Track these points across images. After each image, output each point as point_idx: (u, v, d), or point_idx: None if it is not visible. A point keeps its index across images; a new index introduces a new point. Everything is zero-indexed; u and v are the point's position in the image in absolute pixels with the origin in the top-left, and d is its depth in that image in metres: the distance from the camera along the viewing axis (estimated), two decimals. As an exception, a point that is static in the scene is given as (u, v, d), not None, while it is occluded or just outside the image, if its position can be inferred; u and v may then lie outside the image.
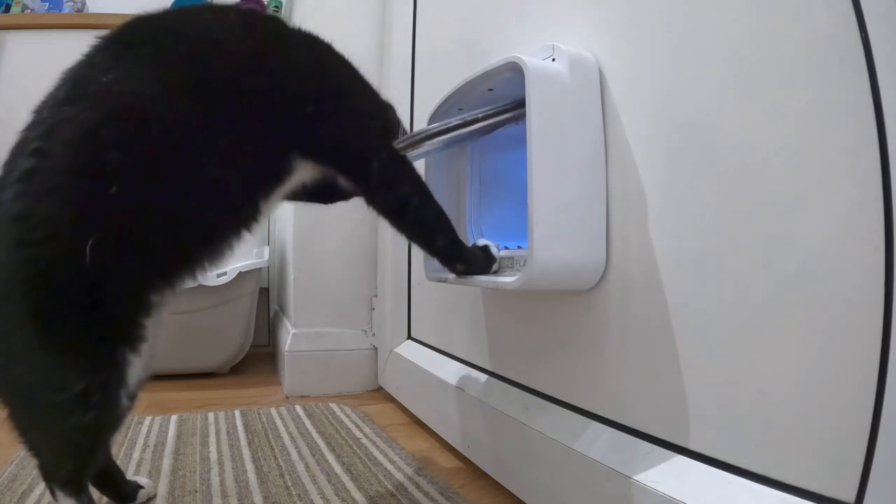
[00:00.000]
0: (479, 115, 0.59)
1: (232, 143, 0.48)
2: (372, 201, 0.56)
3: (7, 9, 1.71)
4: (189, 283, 0.51)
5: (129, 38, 0.48)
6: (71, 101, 0.44)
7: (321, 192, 0.61)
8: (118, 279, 0.44)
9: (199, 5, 0.53)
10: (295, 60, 0.53)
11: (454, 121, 0.59)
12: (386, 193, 0.56)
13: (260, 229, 1.47)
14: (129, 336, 0.46)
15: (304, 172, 0.55)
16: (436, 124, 0.60)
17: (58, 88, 0.46)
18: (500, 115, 0.59)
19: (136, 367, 0.47)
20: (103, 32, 0.49)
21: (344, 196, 0.62)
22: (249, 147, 0.49)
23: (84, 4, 1.81)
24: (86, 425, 0.44)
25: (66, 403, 0.43)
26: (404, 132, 0.63)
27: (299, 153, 0.53)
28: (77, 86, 0.45)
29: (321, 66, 0.56)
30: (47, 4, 1.79)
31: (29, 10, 1.72)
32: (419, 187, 0.58)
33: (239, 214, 0.51)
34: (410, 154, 0.60)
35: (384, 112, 0.60)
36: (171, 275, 0.49)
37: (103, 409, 0.44)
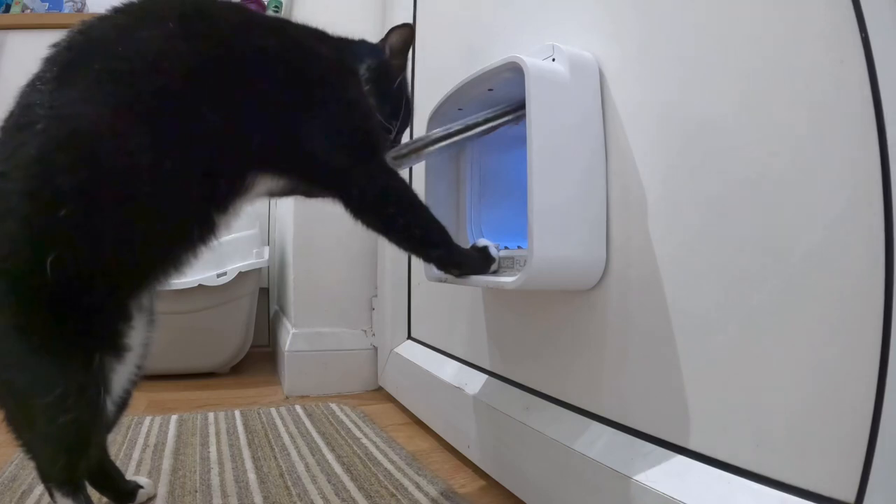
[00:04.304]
0: (480, 119, 0.59)
1: (178, 162, 0.46)
2: (356, 218, 0.54)
3: (7, 9, 1.71)
4: (156, 290, 0.52)
5: (71, 54, 0.47)
6: (23, 125, 0.45)
7: (297, 193, 0.59)
8: (80, 290, 0.45)
9: (146, 4, 0.50)
10: (253, 70, 0.50)
11: (455, 126, 0.59)
12: (369, 214, 0.54)
13: (259, 229, 1.48)
14: (108, 344, 0.47)
15: (269, 184, 0.53)
16: (437, 130, 0.59)
17: (14, 109, 0.47)
18: (500, 118, 0.59)
19: (121, 374, 0.48)
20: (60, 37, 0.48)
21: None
22: (200, 165, 0.48)
23: (84, 4, 1.81)
24: (68, 426, 0.45)
25: (50, 405, 0.44)
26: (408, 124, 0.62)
27: (261, 170, 0.51)
28: (28, 108, 0.45)
29: (290, 74, 0.51)
30: (47, 4, 1.79)
31: (29, 10, 1.72)
32: (405, 204, 0.55)
33: (191, 231, 0.50)
34: (411, 160, 0.60)
35: (367, 119, 0.56)
36: (139, 283, 0.49)
37: (84, 411, 0.45)
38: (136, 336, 0.49)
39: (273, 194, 0.57)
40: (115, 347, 0.47)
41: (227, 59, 0.49)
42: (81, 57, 0.47)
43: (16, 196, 0.43)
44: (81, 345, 0.46)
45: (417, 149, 0.58)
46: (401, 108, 0.63)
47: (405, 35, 0.64)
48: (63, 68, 0.46)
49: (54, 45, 0.48)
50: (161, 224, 0.48)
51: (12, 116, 0.46)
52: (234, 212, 0.53)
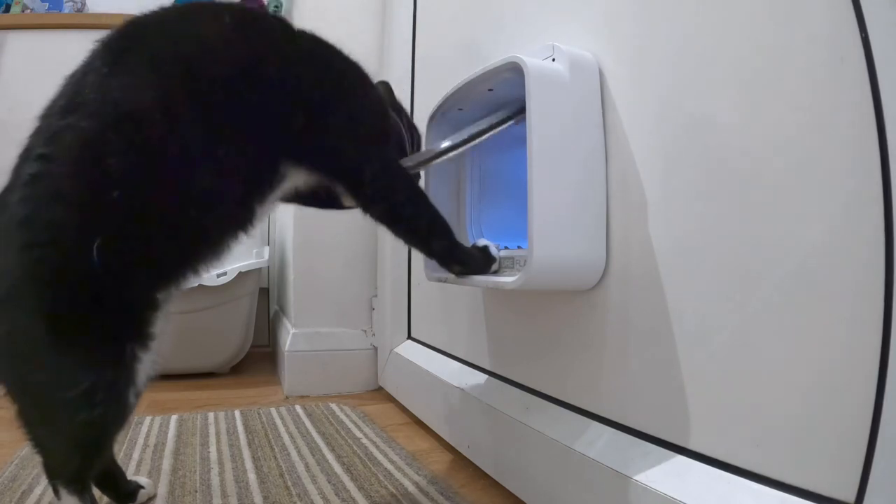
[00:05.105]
0: (485, 127, 0.60)
1: (226, 149, 0.48)
2: (366, 210, 0.57)
3: (7, 9, 1.71)
4: (191, 282, 0.51)
5: (125, 42, 0.48)
6: (71, 109, 0.45)
7: (317, 197, 0.61)
8: (123, 278, 0.45)
9: (196, 4, 0.52)
10: (289, 67, 0.52)
11: (461, 136, 0.60)
12: (379, 203, 0.56)
13: (259, 229, 1.48)
14: (139, 334, 0.47)
15: (297, 178, 0.55)
16: (445, 142, 0.60)
17: (59, 96, 0.47)
18: (503, 123, 0.59)
19: (146, 365, 0.47)
20: (102, 34, 0.49)
21: (340, 203, 0.62)
22: (243, 153, 0.49)
23: (84, 4, 1.81)
24: (93, 422, 0.44)
25: (74, 400, 0.43)
26: (417, 140, 0.64)
27: (291, 161, 0.53)
28: (77, 93, 0.46)
29: (318, 72, 0.55)
30: (47, 4, 1.79)
31: (29, 10, 1.72)
32: (413, 194, 0.58)
33: (235, 217, 0.51)
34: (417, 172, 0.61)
35: (381, 119, 0.60)
36: (175, 273, 0.49)
37: (110, 406, 0.45)
38: (160, 325, 0.49)
39: (299, 190, 0.58)
40: (143, 336, 0.47)
41: (274, 55, 0.52)
42: (138, 41, 0.48)
43: (62, 179, 0.43)
44: (115, 335, 0.45)
45: (424, 162, 0.59)
46: (411, 130, 0.67)
47: (389, 87, 0.69)
48: (116, 56, 0.47)
49: (102, 39, 0.49)
50: (209, 208, 0.48)
51: (57, 102, 0.46)
52: (269, 204, 0.54)
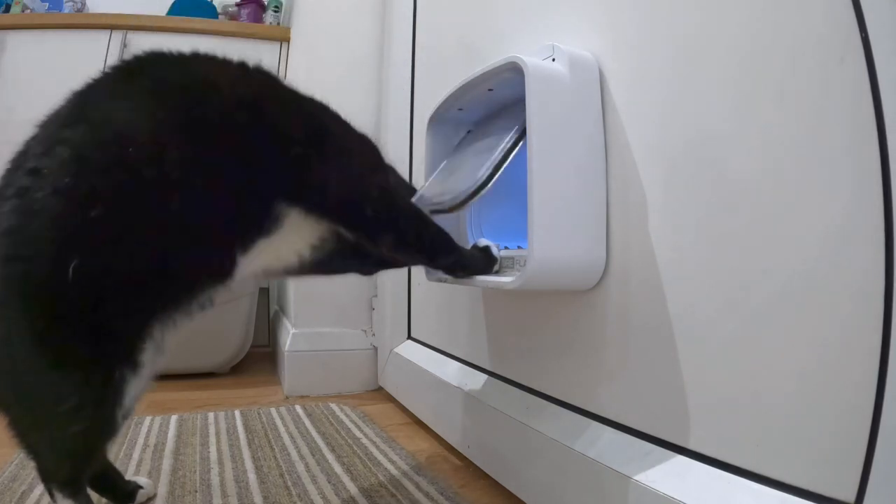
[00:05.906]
0: (504, 153, 0.58)
1: (213, 181, 0.47)
2: (373, 242, 0.55)
3: (7, 9, 1.71)
4: (176, 325, 0.50)
5: (136, 66, 0.49)
6: (71, 123, 0.45)
7: (329, 264, 0.59)
8: (106, 302, 0.44)
9: (207, 54, 0.53)
10: (284, 108, 0.53)
11: (488, 168, 0.58)
12: (385, 235, 0.55)
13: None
14: (127, 358, 0.46)
15: (292, 227, 0.53)
16: (481, 177, 0.58)
17: (62, 108, 0.47)
18: (521, 140, 0.58)
19: (133, 387, 0.47)
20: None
21: (354, 263, 0.61)
22: (231, 188, 0.48)
23: (84, 4, 1.81)
24: (82, 433, 0.45)
25: (63, 414, 0.43)
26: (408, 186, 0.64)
27: (286, 200, 0.51)
28: (78, 109, 0.46)
29: (311, 113, 0.55)
30: (47, 4, 1.79)
31: (29, 10, 1.72)
32: (412, 216, 0.57)
33: (210, 259, 0.49)
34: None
35: (374, 153, 0.59)
36: (157, 307, 0.48)
37: (98, 422, 0.45)
38: (149, 355, 0.48)
39: (303, 261, 0.57)
40: (133, 363, 0.46)
41: (273, 94, 0.53)
42: (144, 72, 0.49)
43: (48, 194, 0.42)
44: (102, 356, 0.45)
45: (461, 203, 0.59)
46: None
47: None
48: (125, 78, 0.48)
49: (115, 63, 0.50)
50: (185, 245, 0.47)
51: (60, 112, 0.46)
52: (253, 256, 0.52)
